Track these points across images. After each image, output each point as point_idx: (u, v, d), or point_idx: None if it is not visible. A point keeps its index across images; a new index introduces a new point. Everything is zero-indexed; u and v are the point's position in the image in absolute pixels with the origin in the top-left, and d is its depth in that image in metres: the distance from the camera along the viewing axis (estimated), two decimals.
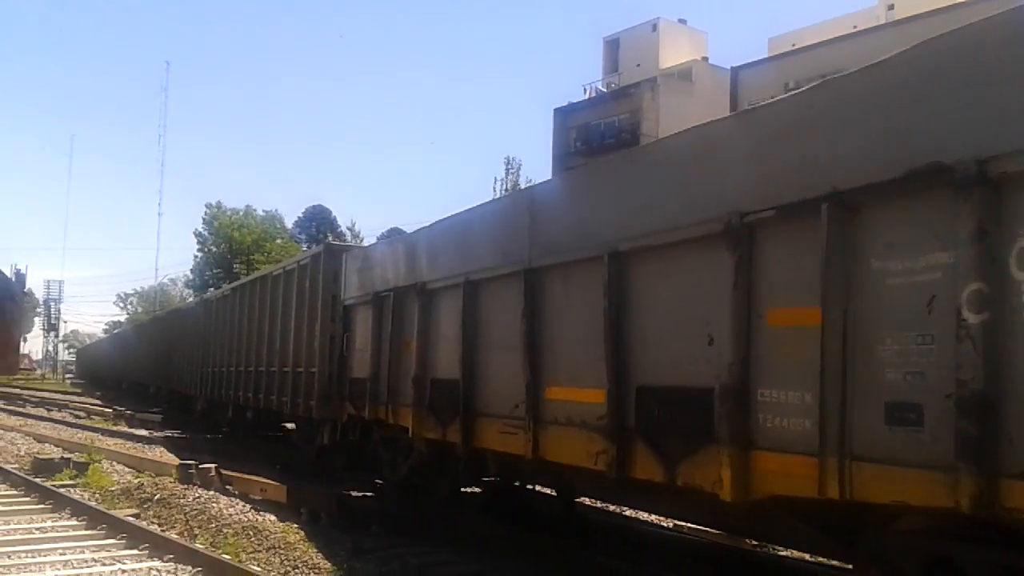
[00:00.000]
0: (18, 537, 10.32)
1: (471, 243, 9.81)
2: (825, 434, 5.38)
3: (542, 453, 8.21)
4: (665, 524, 11.04)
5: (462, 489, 11.76)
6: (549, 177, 57.55)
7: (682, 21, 59.08)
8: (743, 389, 5.98)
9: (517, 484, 11.40)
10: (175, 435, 22.89)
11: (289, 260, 17.90)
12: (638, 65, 57.38)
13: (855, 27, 48.40)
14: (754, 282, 6.02)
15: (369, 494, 12.91)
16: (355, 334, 13.16)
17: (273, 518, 11.31)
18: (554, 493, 11.24)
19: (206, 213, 70.25)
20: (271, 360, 18.18)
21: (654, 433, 6.85)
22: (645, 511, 9.47)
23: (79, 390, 58.60)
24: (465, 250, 9.89)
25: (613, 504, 10.73)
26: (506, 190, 60.48)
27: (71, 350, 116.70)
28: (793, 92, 5.88)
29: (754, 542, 9.67)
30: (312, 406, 15.18)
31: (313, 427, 15.80)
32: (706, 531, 10.16)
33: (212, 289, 54.48)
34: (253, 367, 19.57)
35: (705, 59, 57.28)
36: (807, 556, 9.10)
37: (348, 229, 71.02)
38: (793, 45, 52.86)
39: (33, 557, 9.40)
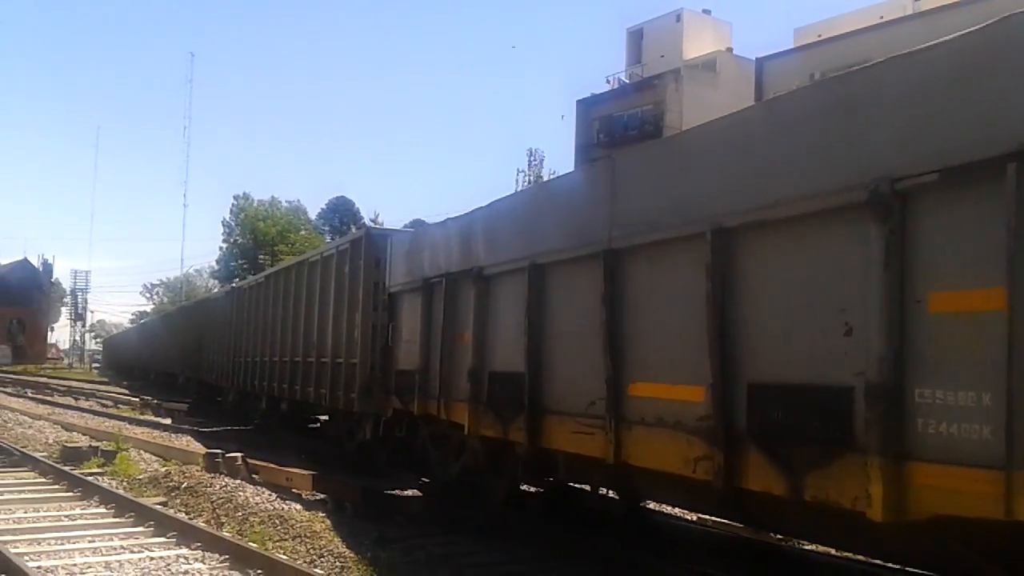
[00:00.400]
0: (48, 524, 10.26)
1: (537, 223, 8.72)
2: (1014, 443, 4.30)
3: (625, 457, 7.14)
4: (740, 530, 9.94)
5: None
6: (571, 169, 56.58)
7: (706, 12, 57.42)
8: (896, 389, 4.90)
9: (579, 485, 10.36)
10: (203, 427, 21.89)
11: (327, 246, 16.82)
12: (662, 56, 55.81)
13: (881, 18, 46.88)
14: (910, 261, 4.92)
15: (407, 492, 11.92)
16: (401, 323, 12.09)
17: (299, 507, 11.16)
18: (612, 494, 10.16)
19: (234, 204, 69.53)
20: (307, 350, 17.11)
21: (772, 438, 5.77)
22: (757, 527, 8.28)
23: (106, 379, 58.05)
24: (530, 231, 8.80)
25: (719, 518, 9.18)
26: (528, 182, 59.35)
27: (97, 340, 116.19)
28: (970, 30, 4.76)
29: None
30: (353, 399, 14.14)
31: (354, 421, 14.78)
32: (796, 542, 9.05)
33: (237, 280, 53.70)
34: (288, 357, 18.48)
35: (730, 50, 55.66)
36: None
37: (371, 220, 69.79)
38: (819, 36, 51.38)
39: (62, 544, 9.31)
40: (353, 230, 62.25)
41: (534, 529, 9.76)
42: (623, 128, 56.45)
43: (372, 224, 67.08)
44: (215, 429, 20.89)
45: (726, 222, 6.14)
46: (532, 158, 62.41)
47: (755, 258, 6.01)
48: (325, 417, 18.42)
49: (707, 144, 6.64)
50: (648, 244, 7.01)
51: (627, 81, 57.61)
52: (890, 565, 7.43)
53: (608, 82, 57.76)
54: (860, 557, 7.79)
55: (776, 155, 5.83)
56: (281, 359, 19.09)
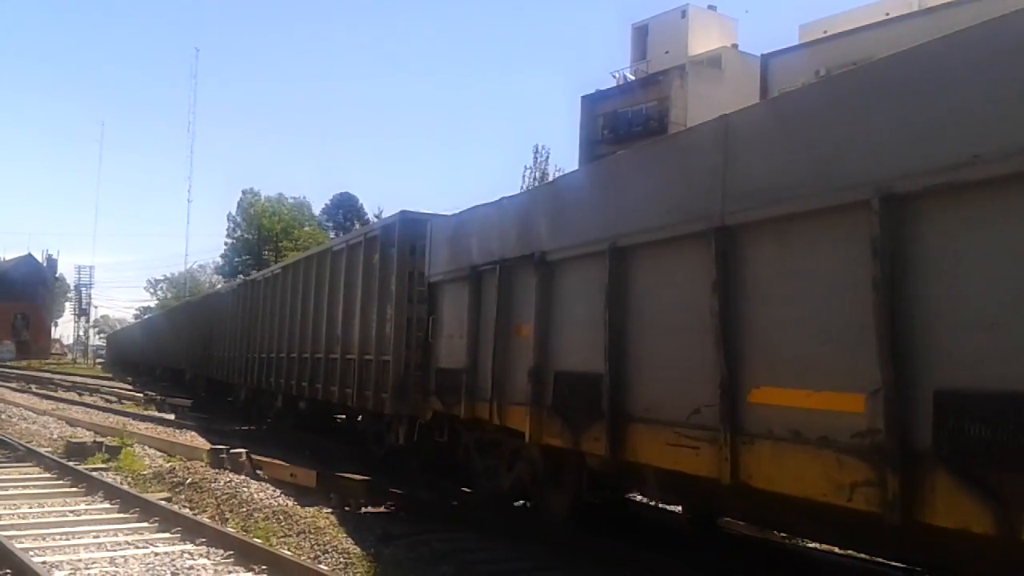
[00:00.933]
0: (52, 520, 10.06)
1: (618, 199, 7.30)
2: None
3: (745, 478, 5.73)
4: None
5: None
6: (576, 166, 55.19)
7: (711, 8, 56.13)
8: None
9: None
10: (216, 427, 20.55)
11: (353, 233, 15.21)
12: (667, 52, 54.44)
13: (887, 14, 45.75)
14: None
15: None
16: (443, 316, 10.64)
17: (303, 503, 10.74)
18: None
19: (242, 199, 68.00)
20: (330, 346, 15.53)
21: (972, 461, 4.36)
22: (945, 571, 6.71)
23: (110, 375, 56.77)
24: (609, 208, 7.38)
25: (884, 558, 7.14)
26: (535, 179, 57.96)
27: (101, 335, 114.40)
28: None
29: None
30: (384, 400, 12.64)
31: (383, 423, 13.27)
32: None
33: (241, 276, 52.14)
34: (308, 354, 16.83)
35: (735, 46, 54.37)
36: None
37: (375, 216, 68.25)
38: (824, 32, 50.25)
39: (67, 539, 9.08)
40: (357, 226, 60.71)
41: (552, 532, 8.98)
42: (628, 124, 55.25)
43: (376, 220, 65.67)
44: (241, 428, 19.92)
45: (899, 187, 4.73)
46: (538, 154, 60.91)
47: (943, 230, 4.60)
48: (343, 416, 17.01)
49: (872, 87, 5.16)
50: (776, 218, 5.60)
51: (632, 77, 56.24)
52: (897, 565, 6.85)
53: (614, 78, 56.30)
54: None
55: (982, 96, 4.42)
56: (300, 355, 17.48)
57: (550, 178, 50.10)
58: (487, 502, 10.15)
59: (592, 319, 7.41)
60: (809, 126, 5.45)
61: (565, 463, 8.39)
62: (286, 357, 18.56)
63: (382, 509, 10.50)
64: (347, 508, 10.52)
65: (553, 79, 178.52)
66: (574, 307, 7.83)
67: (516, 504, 10.04)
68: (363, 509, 10.52)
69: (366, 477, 11.20)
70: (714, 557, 7.94)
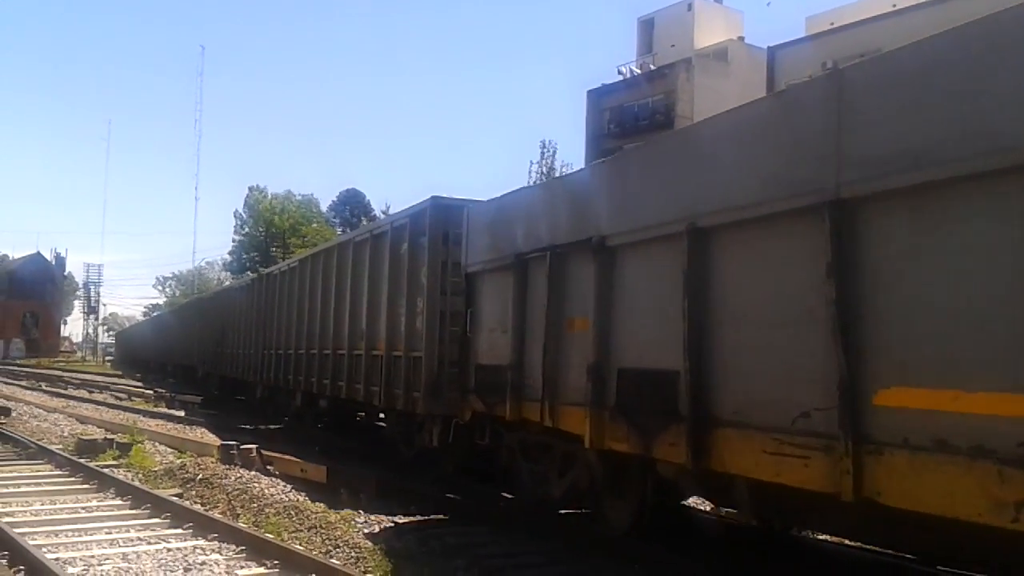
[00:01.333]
0: (65, 517, 9.89)
1: (699, 172, 6.33)
2: None
3: (875, 494, 4.77)
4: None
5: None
6: (582, 161, 54.16)
7: (717, 1, 55.23)
8: None
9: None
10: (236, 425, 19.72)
11: (377, 223, 14.11)
12: (673, 46, 53.40)
13: (895, 5, 44.88)
14: None
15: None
16: (483, 309, 9.65)
17: (313, 498, 10.65)
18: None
19: (248, 196, 66.94)
20: (354, 342, 14.47)
21: None
22: None
23: (119, 372, 56.03)
24: (687, 184, 6.42)
25: None
26: (542, 175, 56.97)
27: (110, 333, 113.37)
28: None
29: None
30: (416, 399, 11.63)
31: (413, 423, 12.27)
32: None
33: (249, 272, 51.08)
34: (330, 350, 15.67)
35: (741, 39, 53.30)
36: None
37: (382, 213, 67.24)
38: (831, 24, 49.29)
39: (80, 536, 8.93)
40: (364, 222, 59.64)
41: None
42: (634, 119, 54.47)
43: (383, 216, 64.65)
44: (259, 426, 19.10)
45: None
46: (545, 149, 59.85)
47: None
48: (362, 414, 16.09)
49: None
50: (911, 188, 4.65)
51: (638, 71, 55.30)
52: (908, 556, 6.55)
53: (620, 72, 55.31)
54: None
55: None
56: (321, 352, 16.34)
57: (557, 173, 49.02)
58: (534, 509, 9.24)
59: (664, 310, 6.48)
60: (962, 76, 4.47)
61: (628, 469, 7.46)
62: (305, 353, 17.48)
63: (424, 517, 9.80)
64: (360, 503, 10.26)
65: (559, 74, 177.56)
66: (641, 297, 6.89)
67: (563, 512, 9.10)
68: (412, 517, 9.87)
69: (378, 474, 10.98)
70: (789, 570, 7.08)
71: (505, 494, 10.09)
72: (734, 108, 6.15)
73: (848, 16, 47.10)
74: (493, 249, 9.34)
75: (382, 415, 15.75)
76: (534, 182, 51.43)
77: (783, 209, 5.42)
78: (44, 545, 8.30)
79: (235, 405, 25.30)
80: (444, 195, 11.58)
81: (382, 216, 64.46)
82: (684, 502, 8.60)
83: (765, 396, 5.55)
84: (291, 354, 18.70)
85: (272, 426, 19.64)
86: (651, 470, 7.28)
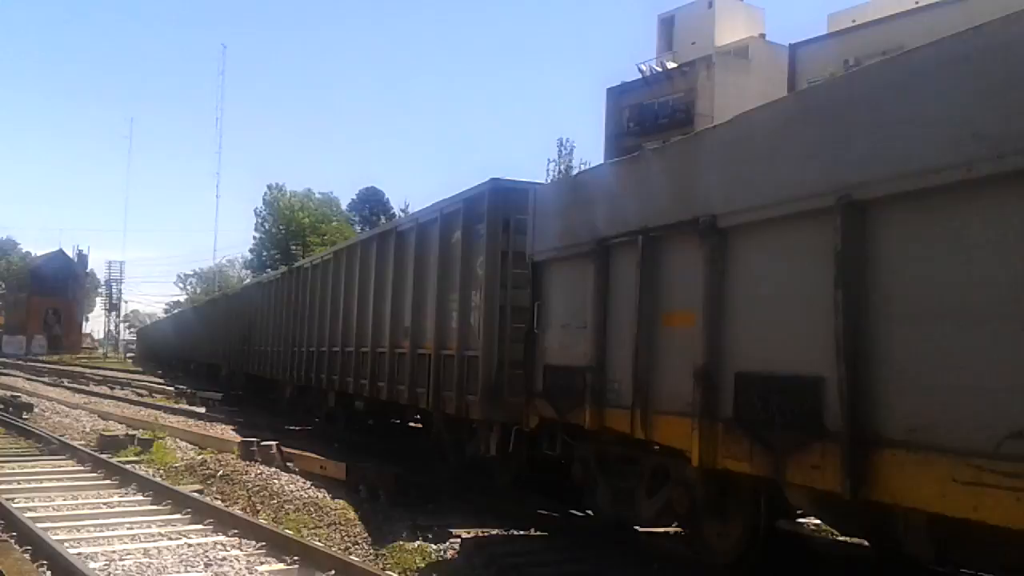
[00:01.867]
0: (87, 512, 9.82)
1: (853, 134, 5.06)
2: None
3: None
4: None
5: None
6: (601, 160, 52.90)
7: None
8: None
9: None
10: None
11: (425, 209, 12.74)
12: (693, 43, 52.20)
13: (917, 2, 43.77)
14: None
15: None
16: (553, 302, 8.42)
17: (333, 495, 10.52)
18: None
19: (267, 193, 65.84)
20: (396, 339, 13.15)
21: None
22: None
23: (140, 369, 55.34)
24: (836, 148, 5.16)
25: None
26: (559, 172, 55.73)
27: (131, 330, 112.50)
28: None
29: None
30: (470, 403, 10.33)
31: (465, 429, 11.00)
32: None
33: (269, 270, 49.94)
34: (369, 347, 14.27)
35: (762, 36, 52.08)
36: None
37: (401, 211, 65.97)
38: (853, 21, 48.27)
39: (101, 531, 8.88)
40: (383, 220, 58.49)
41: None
42: (654, 116, 53.35)
43: (403, 215, 63.48)
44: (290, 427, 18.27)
45: None
46: (563, 147, 58.59)
47: None
48: (398, 420, 14.88)
49: None
50: None
51: (658, 69, 54.11)
52: None
53: (640, 71, 54.13)
54: None
55: None
56: (358, 349, 14.91)
57: (575, 171, 47.79)
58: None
59: (803, 302, 5.31)
60: None
61: (737, 489, 6.28)
62: (340, 351, 16.08)
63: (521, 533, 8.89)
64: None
65: (579, 73, 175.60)
66: (767, 286, 5.70)
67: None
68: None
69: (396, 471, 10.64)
70: None
71: (574, 511, 8.89)
72: (909, 51, 4.92)
73: (870, 13, 46.13)
74: (567, 234, 8.11)
75: (417, 418, 14.62)
76: (551, 180, 50.26)
77: (987, 174, 4.21)
78: (66, 540, 8.24)
79: (260, 402, 24.29)
80: (505, 178, 10.31)
81: (401, 214, 63.45)
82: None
83: (957, 411, 4.34)
84: (324, 351, 17.37)
85: (298, 427, 18.70)
86: (765, 491, 6.11)
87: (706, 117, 44.50)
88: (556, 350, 8.24)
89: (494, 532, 8.78)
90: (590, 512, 8.78)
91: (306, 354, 18.85)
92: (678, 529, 7.75)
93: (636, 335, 6.83)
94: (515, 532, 8.72)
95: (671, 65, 52.92)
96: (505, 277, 9.95)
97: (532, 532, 8.79)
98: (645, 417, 6.76)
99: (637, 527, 7.65)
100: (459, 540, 8.40)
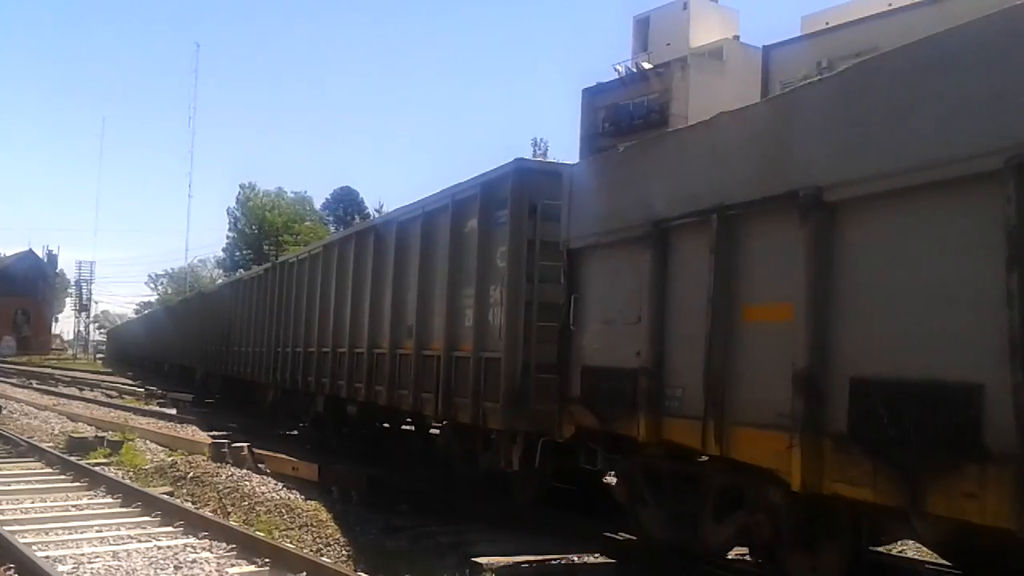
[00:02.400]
0: (56, 514, 9.50)
1: None
2: None
3: None
4: None
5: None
6: (577, 159, 52.01)
7: None
8: None
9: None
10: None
11: (433, 196, 11.47)
12: (668, 44, 51.45)
13: (890, 4, 43.48)
14: None
15: None
16: (593, 295, 7.20)
17: (305, 496, 10.34)
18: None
19: (240, 193, 64.07)
20: (397, 339, 11.76)
21: None
22: None
23: (110, 370, 53.67)
24: (1017, 91, 4.04)
25: None
26: None
27: (101, 330, 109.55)
28: None
29: None
30: (489, 410, 8.99)
31: (479, 439, 9.72)
32: None
33: (242, 270, 48.18)
34: (364, 348, 12.86)
35: (736, 38, 51.45)
36: None
37: (376, 211, 64.44)
38: (827, 23, 47.92)
39: (70, 534, 8.62)
40: (358, 220, 56.89)
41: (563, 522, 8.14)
42: (629, 117, 52.66)
43: (377, 215, 61.90)
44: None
45: None
46: (537, 148, 57.60)
47: None
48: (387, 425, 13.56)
49: None
50: None
51: (634, 70, 53.46)
52: None
53: (615, 71, 53.46)
54: None
55: None
56: (352, 350, 13.50)
57: None
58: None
59: (952, 290, 4.20)
60: None
61: (832, 515, 5.16)
62: (331, 352, 14.56)
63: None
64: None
65: (554, 73, 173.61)
66: (894, 271, 4.55)
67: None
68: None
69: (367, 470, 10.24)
70: None
71: (613, 535, 7.62)
72: None
73: (844, 15, 45.79)
74: (613, 216, 6.89)
75: (409, 421, 13.35)
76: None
77: None
78: (34, 543, 8.00)
79: (238, 405, 23.06)
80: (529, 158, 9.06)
81: (376, 214, 61.84)
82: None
83: None
84: (312, 352, 15.82)
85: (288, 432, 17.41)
86: (869, 517, 5.00)
87: (680, 118, 43.79)
88: (597, 350, 7.03)
89: (539, 558, 7.52)
90: (627, 535, 7.57)
91: (292, 355, 17.29)
92: (741, 555, 6.60)
93: (709, 331, 5.65)
94: (573, 559, 7.48)
95: (646, 66, 52.33)
96: (531, 269, 8.68)
97: (596, 558, 7.55)
98: (720, 429, 5.59)
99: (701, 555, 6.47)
100: (490, 571, 7.11)
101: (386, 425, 14.32)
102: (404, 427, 13.92)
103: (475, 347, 9.48)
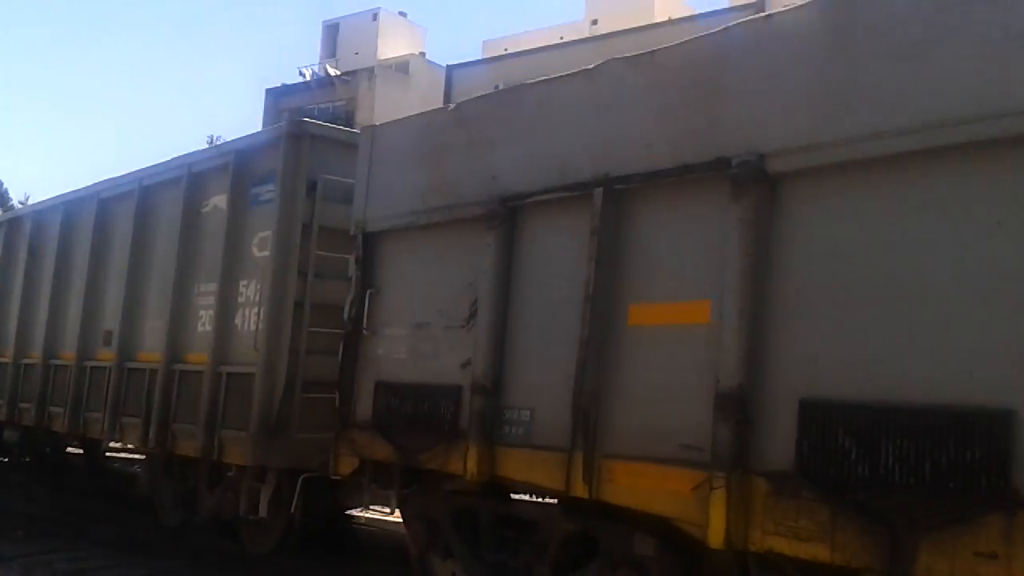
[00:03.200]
0: None
1: None
2: None
3: None
4: None
5: None
6: None
7: (402, 14, 52.57)
8: None
9: None
10: None
11: (157, 166, 8.52)
12: (356, 53, 50.18)
13: (561, 38, 46.60)
14: None
15: None
16: (397, 289, 5.60)
17: None
18: None
19: None
20: (88, 347, 9.08)
21: None
22: None
23: None
24: None
25: None
26: None
27: None
28: None
29: None
30: (230, 440, 6.88)
31: (205, 478, 7.54)
32: None
33: None
34: (38, 359, 9.97)
35: (422, 54, 51.47)
36: None
37: (21, 204, 55.49)
38: (506, 50, 50.14)
39: None
40: (1, 211, 48.40)
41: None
42: None
43: (22, 205, 53.30)
44: None
45: None
46: (211, 144, 53.18)
47: None
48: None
49: None
50: None
51: (321, 74, 51.76)
52: None
53: (301, 74, 51.33)
54: None
55: None
56: (16, 361, 10.50)
57: None
58: None
59: (976, 282, 3.22)
60: None
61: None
62: None
63: None
64: None
65: (236, 70, 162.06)
66: (873, 260, 3.52)
67: None
68: None
69: None
70: None
71: None
72: None
73: (522, 43, 48.07)
74: (437, 191, 5.31)
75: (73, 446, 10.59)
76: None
77: None
78: None
79: None
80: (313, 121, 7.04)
81: (20, 205, 53.14)
82: None
83: None
84: None
85: None
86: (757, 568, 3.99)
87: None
88: (400, 361, 5.40)
89: None
90: None
91: None
92: None
93: (583, 337, 4.30)
94: None
95: (333, 72, 50.70)
96: (305, 261, 6.75)
97: None
98: (590, 464, 4.25)
99: None
100: None
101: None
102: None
103: (213, 359, 7.29)
